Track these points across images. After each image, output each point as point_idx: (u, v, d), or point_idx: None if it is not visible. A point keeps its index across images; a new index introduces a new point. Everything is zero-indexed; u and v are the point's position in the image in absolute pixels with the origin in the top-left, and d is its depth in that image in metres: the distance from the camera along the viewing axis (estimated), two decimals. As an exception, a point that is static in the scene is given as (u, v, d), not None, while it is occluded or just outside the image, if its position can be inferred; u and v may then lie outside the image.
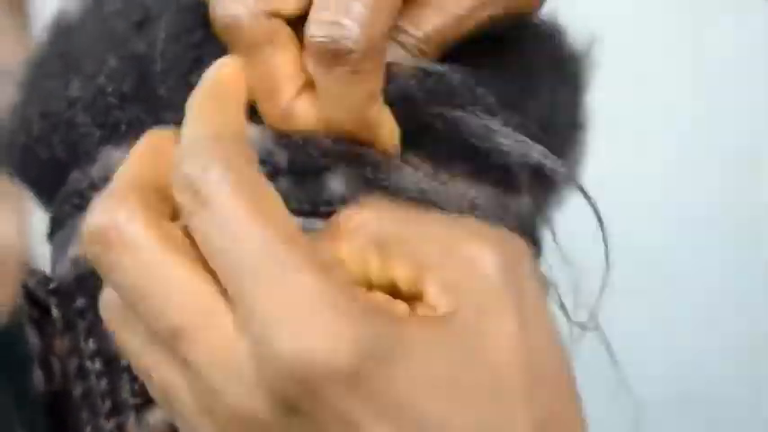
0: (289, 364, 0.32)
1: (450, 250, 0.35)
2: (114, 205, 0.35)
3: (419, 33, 0.40)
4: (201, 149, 0.35)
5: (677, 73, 0.95)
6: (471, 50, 0.42)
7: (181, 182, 0.35)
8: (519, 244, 0.36)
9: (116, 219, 0.35)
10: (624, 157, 0.97)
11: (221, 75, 0.39)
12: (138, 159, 0.38)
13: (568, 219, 0.48)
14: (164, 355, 0.35)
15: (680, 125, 0.98)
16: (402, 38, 0.40)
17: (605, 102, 0.50)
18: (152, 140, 0.39)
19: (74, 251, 0.44)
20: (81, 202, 0.44)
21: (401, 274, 0.35)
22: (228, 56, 0.39)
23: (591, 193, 0.42)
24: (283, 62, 0.39)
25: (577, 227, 0.46)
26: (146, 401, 0.42)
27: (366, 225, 0.36)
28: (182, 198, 0.35)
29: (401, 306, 0.35)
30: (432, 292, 0.35)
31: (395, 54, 0.40)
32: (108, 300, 0.37)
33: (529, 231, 0.46)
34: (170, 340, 0.34)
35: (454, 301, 0.34)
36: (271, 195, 0.35)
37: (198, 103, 0.37)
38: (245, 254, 0.33)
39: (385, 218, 0.36)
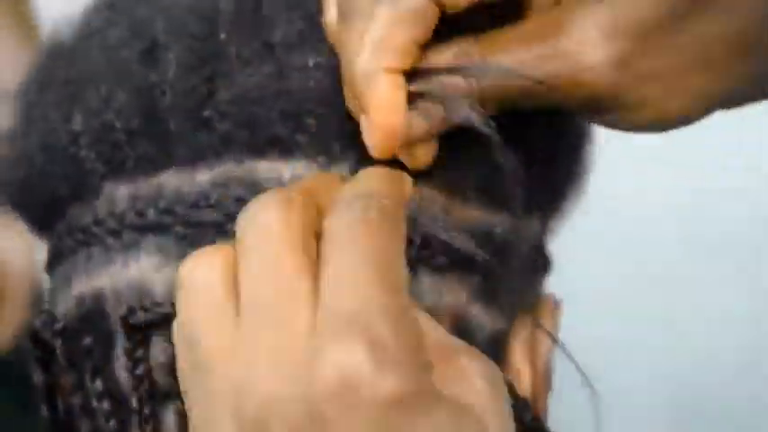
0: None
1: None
2: (283, 196, 0.37)
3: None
4: (373, 184, 0.38)
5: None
6: None
7: (344, 195, 0.37)
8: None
9: (279, 212, 0.36)
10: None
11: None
12: (310, 181, 0.39)
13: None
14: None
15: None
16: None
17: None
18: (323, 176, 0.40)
19: (78, 289, 0.43)
20: (85, 238, 0.43)
21: None
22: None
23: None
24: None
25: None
26: None
27: None
28: (340, 205, 0.36)
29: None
30: None
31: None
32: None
33: (540, 251, 0.46)
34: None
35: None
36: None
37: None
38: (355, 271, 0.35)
39: None
